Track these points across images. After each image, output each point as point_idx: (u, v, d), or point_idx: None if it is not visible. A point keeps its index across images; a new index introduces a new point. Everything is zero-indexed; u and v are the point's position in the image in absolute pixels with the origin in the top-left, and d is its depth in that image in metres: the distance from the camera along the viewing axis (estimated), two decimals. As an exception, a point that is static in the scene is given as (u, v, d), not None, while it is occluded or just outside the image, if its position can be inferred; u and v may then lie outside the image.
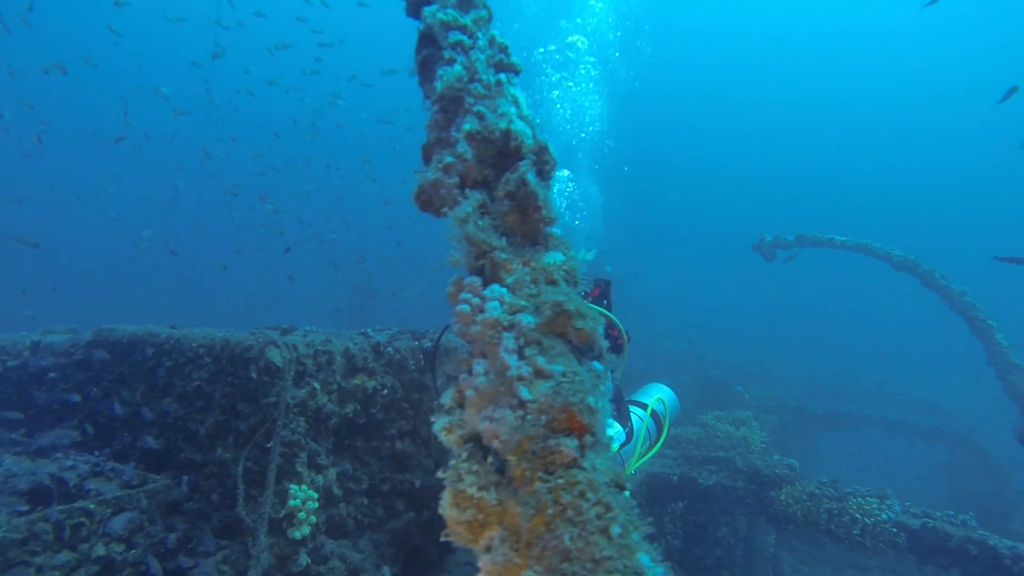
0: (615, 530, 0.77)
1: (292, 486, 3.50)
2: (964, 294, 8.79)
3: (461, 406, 1.04)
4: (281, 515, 3.46)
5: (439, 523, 3.50)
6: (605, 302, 3.96)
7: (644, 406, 4.68)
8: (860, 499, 6.56)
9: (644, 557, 0.73)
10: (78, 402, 4.37)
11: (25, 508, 3.09)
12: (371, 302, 21.90)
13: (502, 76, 1.40)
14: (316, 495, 3.56)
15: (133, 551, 3.30)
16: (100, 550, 3.15)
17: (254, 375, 3.54)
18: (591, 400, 0.85)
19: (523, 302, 1.03)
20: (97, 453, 3.65)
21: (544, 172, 1.23)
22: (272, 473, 3.36)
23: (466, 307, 1.05)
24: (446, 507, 0.93)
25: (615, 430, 3.71)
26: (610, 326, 4.12)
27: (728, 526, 8.29)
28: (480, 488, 0.90)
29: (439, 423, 1.03)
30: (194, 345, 3.89)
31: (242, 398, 3.59)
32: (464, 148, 1.27)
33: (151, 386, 4.08)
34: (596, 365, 0.97)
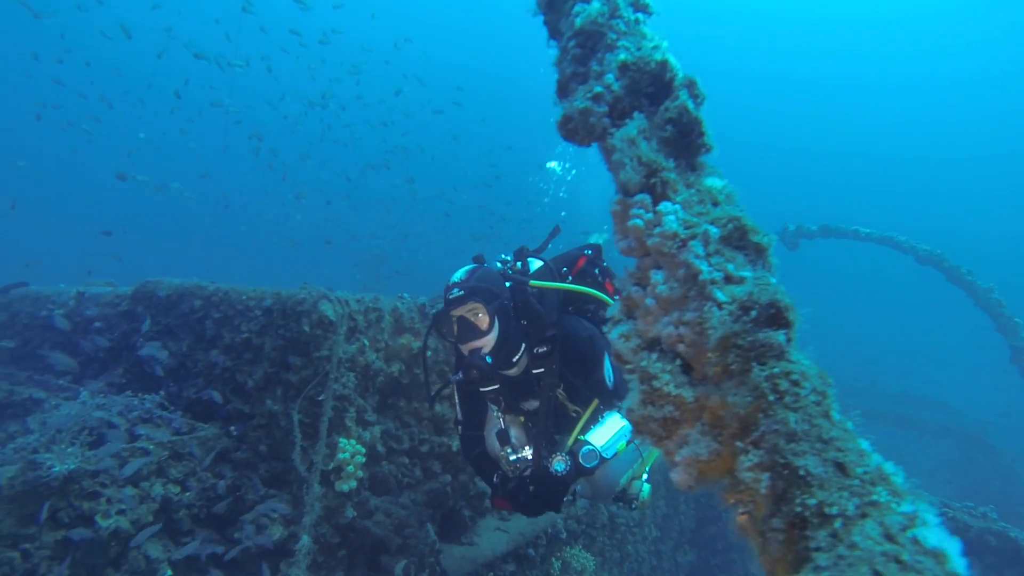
0: (836, 415, 0.79)
1: (341, 440, 3.55)
2: (991, 290, 8.75)
3: (631, 316, 1.06)
4: (330, 468, 3.52)
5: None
6: (597, 271, 3.35)
7: None
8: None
9: (864, 443, 0.75)
10: (124, 351, 4.43)
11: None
12: (380, 276, 21.99)
13: (639, 15, 1.42)
14: (363, 450, 3.61)
15: (187, 493, 3.37)
16: (159, 489, 3.21)
17: (307, 328, 3.57)
18: (789, 299, 0.87)
19: (695, 219, 1.05)
20: (147, 400, 3.69)
21: (697, 103, 1.24)
22: (324, 426, 3.41)
23: (639, 222, 1.08)
24: (636, 408, 0.95)
25: (619, 425, 2.87)
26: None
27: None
28: (677, 386, 0.92)
29: (615, 332, 1.05)
30: (244, 298, 3.92)
31: (293, 351, 3.63)
32: (612, 79, 1.28)
33: (198, 337, 4.13)
34: (771, 278, 0.99)
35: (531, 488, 2.79)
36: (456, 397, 3.22)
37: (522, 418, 3.11)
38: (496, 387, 2.99)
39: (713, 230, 1.01)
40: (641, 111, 1.25)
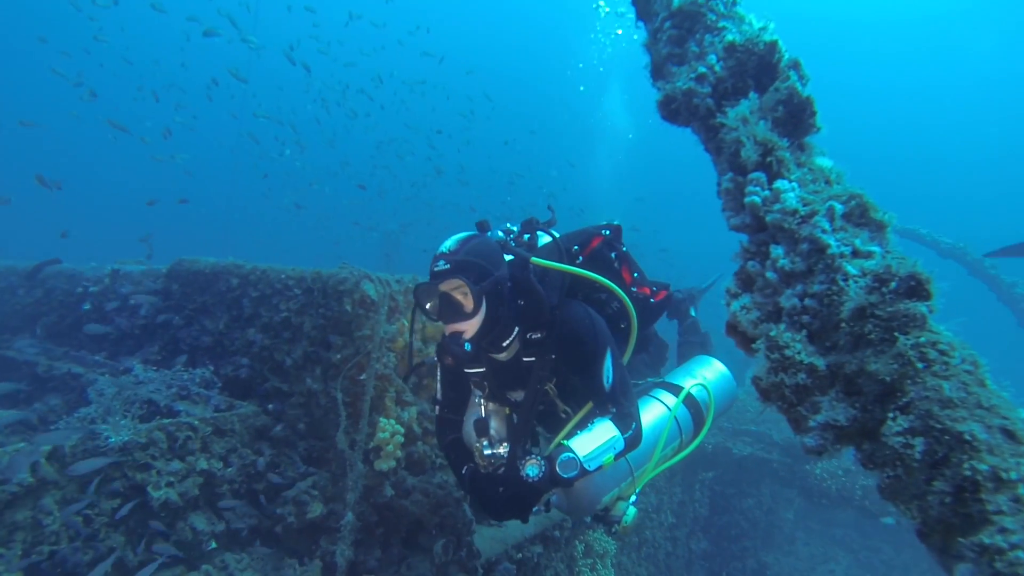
0: (991, 384, 0.82)
1: (381, 419, 3.60)
2: (1015, 285, 8.72)
3: (748, 290, 1.09)
4: (370, 447, 3.57)
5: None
6: (613, 255, 2.96)
7: (678, 389, 3.18)
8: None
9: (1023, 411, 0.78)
10: (160, 328, 4.48)
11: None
12: (395, 253, 22.03)
13: (736, -6, 1.43)
14: (402, 429, 3.66)
15: (229, 469, 3.43)
16: (203, 464, 3.27)
17: (348, 307, 3.61)
18: (928, 272, 0.90)
19: (811, 196, 1.07)
20: (197, 375, 3.75)
21: (803, 83, 1.25)
22: (367, 405, 3.46)
23: (756, 199, 1.10)
24: (765, 376, 0.98)
25: (609, 435, 2.45)
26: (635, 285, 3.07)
27: (755, 498, 8.45)
28: (808, 355, 0.95)
29: (735, 304, 1.08)
30: (283, 276, 3.96)
31: (334, 330, 3.67)
32: (714, 60, 1.30)
33: (235, 316, 4.18)
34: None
35: (500, 490, 2.49)
36: (439, 373, 2.89)
37: (507, 409, 2.77)
38: (482, 370, 2.70)
39: (838, 206, 1.03)
40: (745, 92, 1.27)
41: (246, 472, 3.52)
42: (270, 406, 3.85)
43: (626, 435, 2.48)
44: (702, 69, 1.29)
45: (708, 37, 1.35)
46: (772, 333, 1.02)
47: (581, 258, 2.86)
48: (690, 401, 3.09)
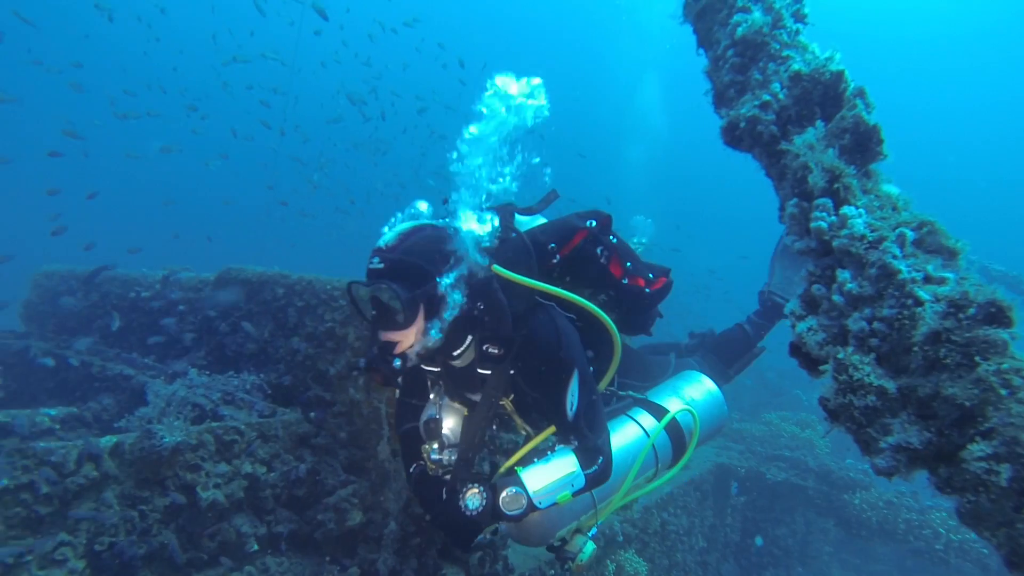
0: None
1: (420, 429, 3.66)
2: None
3: (813, 312, 1.12)
4: (408, 455, 3.64)
5: None
6: (600, 250, 2.56)
7: (662, 412, 2.78)
8: (944, 513, 6.44)
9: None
10: (206, 334, 4.65)
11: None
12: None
13: (799, 25, 1.47)
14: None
15: (272, 474, 3.53)
16: (248, 467, 3.37)
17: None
18: (1008, 300, 0.92)
19: (879, 222, 1.10)
20: (248, 381, 3.88)
21: (869, 111, 1.29)
22: (407, 413, 3.52)
23: (823, 224, 1.13)
24: (831, 396, 1.01)
25: (567, 470, 2.17)
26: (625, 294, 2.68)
27: (788, 526, 8.25)
28: (878, 377, 0.98)
29: (801, 326, 1.11)
30: (328, 288, 4.08)
31: (377, 341, 3.76)
32: (778, 88, 1.35)
33: (280, 324, 4.31)
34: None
35: (439, 514, 2.29)
36: None
37: (467, 410, 2.49)
38: (436, 370, 2.41)
39: (909, 233, 1.06)
40: (810, 119, 1.31)
41: (288, 477, 3.62)
42: (312, 414, 3.95)
43: (589, 471, 2.19)
44: (766, 97, 1.34)
45: (772, 65, 1.40)
46: (840, 355, 1.05)
47: (559, 257, 2.45)
48: (672, 426, 2.73)
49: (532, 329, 2.24)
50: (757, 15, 1.45)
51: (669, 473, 2.75)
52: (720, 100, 1.49)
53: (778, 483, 7.63)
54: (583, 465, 2.21)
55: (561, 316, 2.34)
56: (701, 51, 1.64)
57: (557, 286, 2.34)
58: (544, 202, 2.71)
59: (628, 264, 2.68)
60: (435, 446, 2.41)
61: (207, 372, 3.75)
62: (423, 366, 2.36)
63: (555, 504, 2.16)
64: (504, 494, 2.14)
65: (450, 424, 2.47)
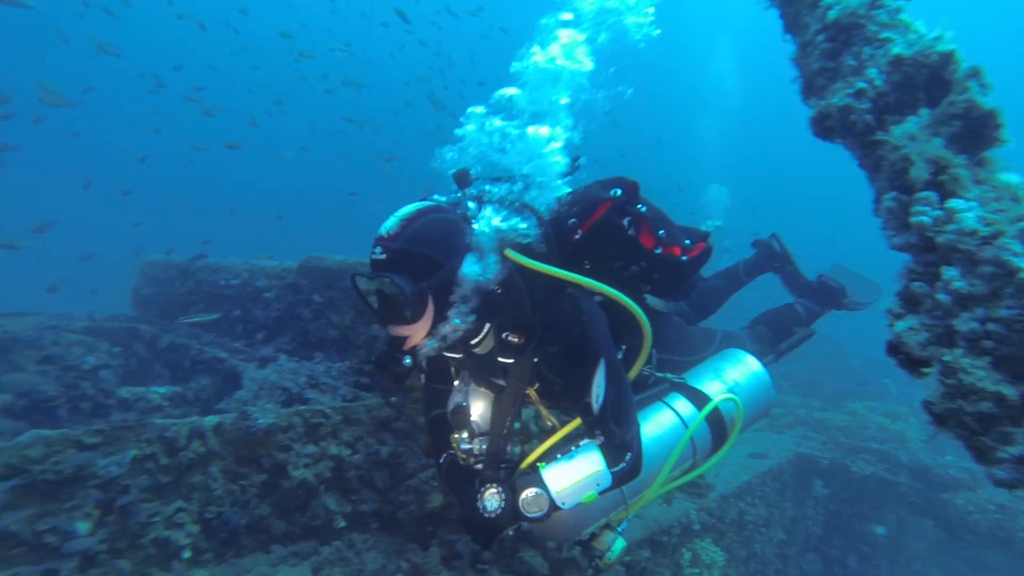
0: None
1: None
2: None
3: (914, 311, 1.08)
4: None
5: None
6: (627, 221, 2.31)
7: (702, 398, 2.52)
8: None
9: None
10: (290, 320, 4.95)
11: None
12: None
13: (901, 2, 1.39)
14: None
15: (356, 456, 3.74)
16: (334, 449, 3.59)
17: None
18: None
19: (995, 215, 1.05)
20: (321, 367, 4.11)
21: (985, 94, 1.21)
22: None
23: (926, 219, 1.09)
24: (937, 400, 0.98)
25: (593, 469, 2.01)
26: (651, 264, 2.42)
27: (879, 523, 7.88)
28: (994, 382, 0.94)
29: (900, 325, 1.08)
30: (404, 276, 4.24)
31: (451, 328, 3.88)
32: (874, 73, 1.29)
33: (360, 312, 4.53)
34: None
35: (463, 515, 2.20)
36: None
37: (494, 395, 2.35)
38: (459, 357, 2.29)
39: (1030, 229, 1.00)
40: (912, 106, 1.25)
41: (371, 460, 3.83)
42: (392, 399, 4.14)
43: (616, 469, 2.02)
44: (861, 84, 1.27)
45: (868, 49, 1.33)
46: (948, 358, 1.01)
47: (580, 232, 2.25)
48: (713, 414, 2.50)
49: (554, 314, 2.10)
50: (853, -6, 1.39)
51: (709, 463, 2.55)
52: (809, 89, 1.43)
53: (866, 477, 7.29)
54: (610, 463, 2.03)
55: (587, 299, 2.16)
56: (788, 37, 1.58)
57: (581, 263, 2.22)
58: (567, 170, 2.39)
59: (661, 232, 2.42)
60: (464, 435, 2.30)
61: (296, 358, 4.00)
62: (444, 352, 2.22)
63: (580, 504, 2.03)
64: (524, 495, 2.00)
65: (479, 411, 2.34)
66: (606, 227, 2.29)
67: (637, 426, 2.13)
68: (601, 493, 2.03)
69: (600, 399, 2.03)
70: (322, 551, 3.37)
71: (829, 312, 3.68)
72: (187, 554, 3.02)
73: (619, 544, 2.30)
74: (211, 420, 3.13)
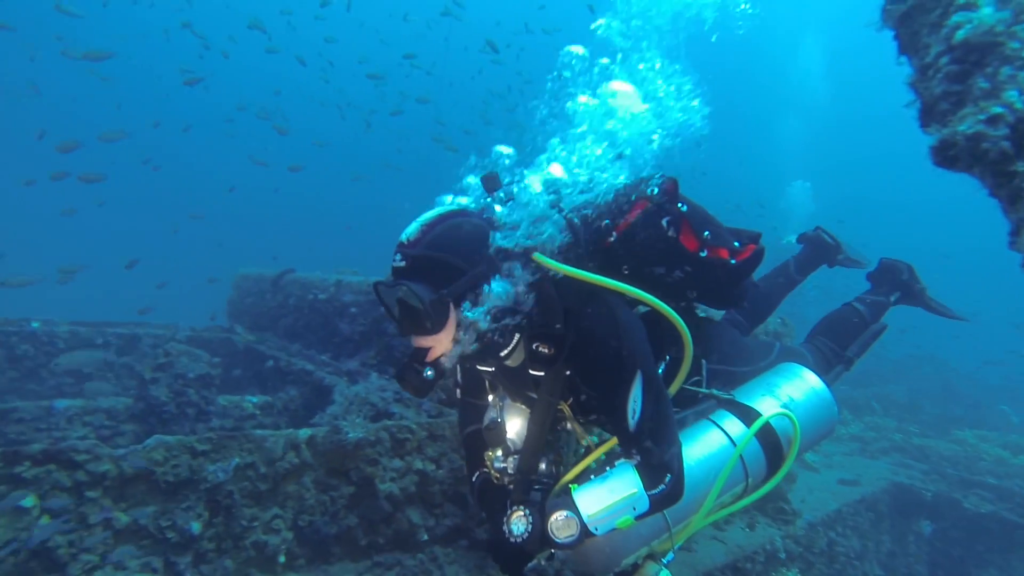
0: None
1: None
2: None
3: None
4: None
5: None
6: (666, 222, 2.13)
7: (753, 415, 2.32)
8: None
9: None
10: (375, 335, 5.18)
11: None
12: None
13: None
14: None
15: (440, 471, 3.86)
16: (419, 464, 3.72)
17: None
18: None
19: None
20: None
21: None
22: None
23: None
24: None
25: (628, 491, 1.88)
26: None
27: (1002, 570, 7.21)
28: None
29: None
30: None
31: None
32: (1014, 96, 1.23)
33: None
34: None
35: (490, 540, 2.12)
36: None
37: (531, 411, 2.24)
38: (491, 370, 2.21)
39: None
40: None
41: (456, 476, 3.94)
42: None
43: (654, 492, 1.88)
44: (997, 109, 1.23)
45: (1007, 70, 1.27)
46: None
47: (615, 235, 2.11)
48: (765, 433, 2.29)
49: (587, 323, 1.95)
50: (987, 12, 1.32)
51: (764, 488, 2.33)
52: (929, 115, 1.38)
53: (981, 516, 6.71)
54: (647, 485, 1.89)
55: (623, 307, 2.02)
56: (904, 59, 1.53)
57: (618, 268, 2.09)
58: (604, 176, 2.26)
59: (706, 233, 2.23)
60: (498, 453, 2.22)
61: (385, 376, 4.18)
62: (477, 366, 2.20)
63: (614, 529, 1.89)
64: (554, 519, 1.87)
65: (515, 428, 2.25)
66: (643, 229, 2.12)
67: (678, 445, 1.97)
68: (638, 518, 1.88)
69: (636, 415, 1.87)
70: (406, 563, 3.49)
71: (894, 303, 3.30)
72: (282, 558, 3.22)
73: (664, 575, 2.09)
74: (305, 433, 3.33)
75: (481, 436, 2.32)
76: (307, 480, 3.31)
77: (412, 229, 1.90)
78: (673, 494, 1.90)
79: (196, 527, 2.99)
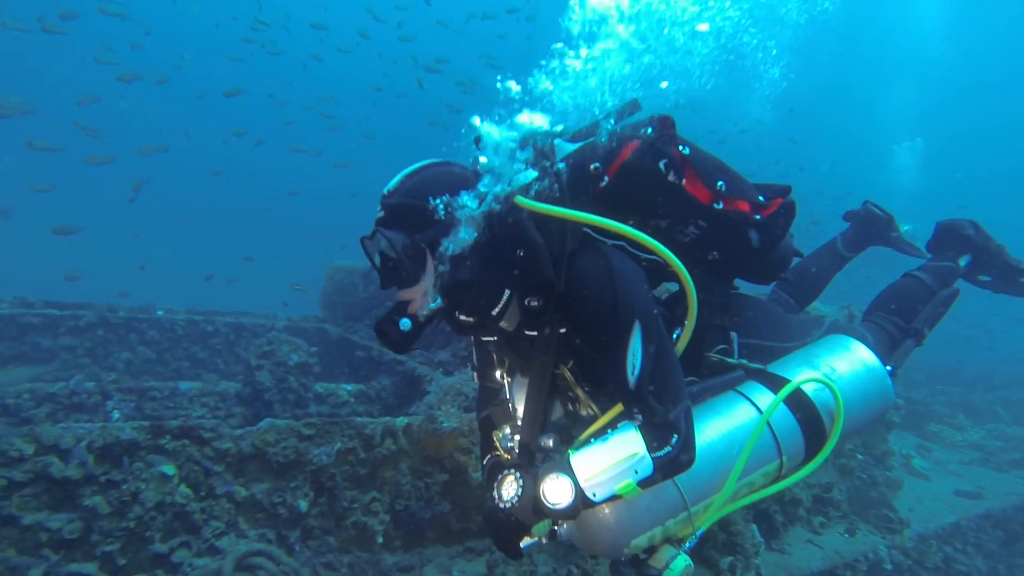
0: None
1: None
2: None
3: None
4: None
5: (787, 493, 3.12)
6: (663, 164, 1.97)
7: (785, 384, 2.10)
8: None
9: None
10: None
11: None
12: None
13: None
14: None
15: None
16: (507, 453, 3.88)
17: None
18: None
19: None
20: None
21: None
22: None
23: None
24: None
25: (629, 451, 1.71)
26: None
27: None
28: None
29: None
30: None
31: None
32: None
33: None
34: None
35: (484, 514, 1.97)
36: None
37: None
38: (494, 339, 2.08)
39: None
40: None
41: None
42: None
43: (659, 454, 1.70)
44: None
45: None
46: None
47: (606, 179, 1.97)
48: (801, 404, 2.06)
49: (577, 272, 1.82)
50: None
51: (804, 471, 2.07)
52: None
53: None
54: (651, 447, 1.71)
55: (619, 254, 1.87)
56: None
57: (621, 221, 1.86)
58: (619, 115, 2.05)
59: (720, 184, 2.04)
60: (506, 431, 2.11)
61: (437, 369, 4.38)
62: (480, 336, 2.10)
63: (616, 497, 1.71)
64: (546, 482, 1.71)
65: (523, 402, 2.10)
66: (637, 171, 1.97)
67: (686, 404, 1.78)
68: (642, 483, 1.69)
69: (636, 370, 1.72)
70: (497, 550, 3.66)
71: (965, 269, 2.90)
72: (380, 539, 3.48)
73: (680, 562, 1.85)
74: (402, 421, 3.56)
75: (492, 422, 2.23)
76: (403, 466, 3.54)
77: (394, 180, 1.85)
78: (681, 458, 1.72)
79: (303, 505, 3.29)
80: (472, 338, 2.25)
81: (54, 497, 2.81)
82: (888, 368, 2.36)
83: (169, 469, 2.95)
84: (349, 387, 5.37)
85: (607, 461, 1.70)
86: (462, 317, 1.84)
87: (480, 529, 3.71)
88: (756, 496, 1.99)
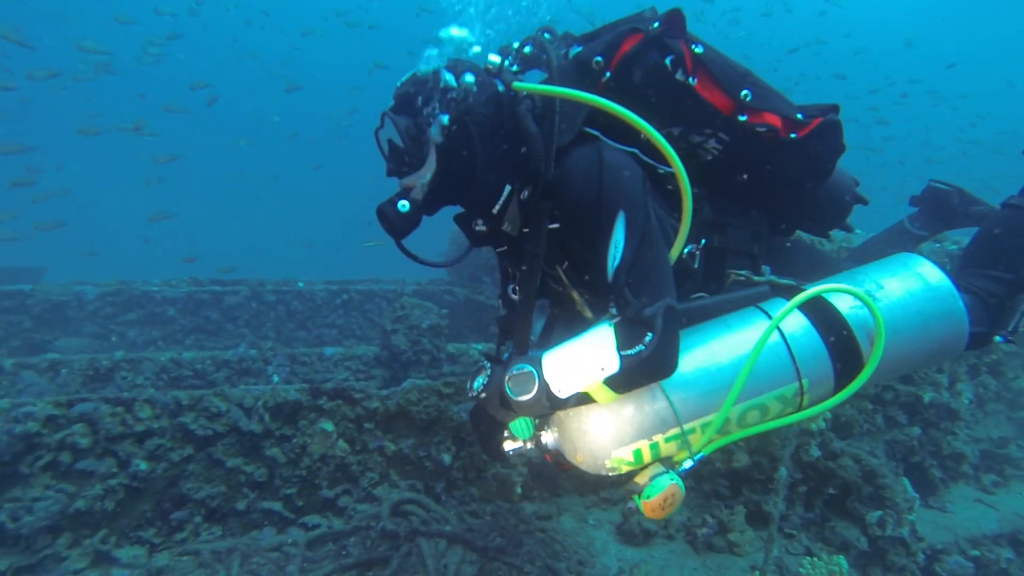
0: None
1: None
2: None
3: None
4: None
5: (946, 446, 2.95)
6: (669, 60, 1.84)
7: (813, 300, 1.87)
8: None
9: None
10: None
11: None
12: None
13: None
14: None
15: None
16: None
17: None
18: None
19: None
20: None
21: None
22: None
23: None
24: None
25: (599, 348, 1.62)
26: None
27: None
28: None
29: None
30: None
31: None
32: None
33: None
34: None
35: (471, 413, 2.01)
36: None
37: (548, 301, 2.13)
38: (504, 248, 2.03)
39: None
40: None
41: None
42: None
43: (628, 352, 1.56)
44: None
45: None
46: None
47: (608, 74, 1.87)
48: (831, 322, 1.78)
49: (568, 162, 1.77)
50: None
51: (831, 401, 1.79)
52: None
53: None
54: (621, 344, 1.59)
55: (613, 149, 1.80)
56: None
57: (632, 131, 1.79)
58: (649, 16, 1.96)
59: (745, 93, 1.87)
60: (510, 345, 2.08)
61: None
62: (496, 249, 2.07)
63: (587, 398, 1.64)
64: (511, 373, 1.68)
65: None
66: (639, 64, 1.85)
67: (668, 303, 1.60)
68: (610, 383, 1.59)
69: (616, 261, 1.64)
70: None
71: None
72: (519, 489, 3.76)
73: (662, 481, 1.67)
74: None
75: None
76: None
77: (406, 75, 1.89)
78: (655, 359, 1.57)
79: (447, 459, 3.63)
80: (498, 260, 2.23)
81: (244, 446, 3.37)
82: (998, 337, 2.05)
83: (328, 426, 3.40)
84: (479, 346, 5.71)
85: (574, 358, 1.65)
86: (476, 227, 1.91)
87: (614, 479, 3.88)
88: (771, 424, 1.78)
